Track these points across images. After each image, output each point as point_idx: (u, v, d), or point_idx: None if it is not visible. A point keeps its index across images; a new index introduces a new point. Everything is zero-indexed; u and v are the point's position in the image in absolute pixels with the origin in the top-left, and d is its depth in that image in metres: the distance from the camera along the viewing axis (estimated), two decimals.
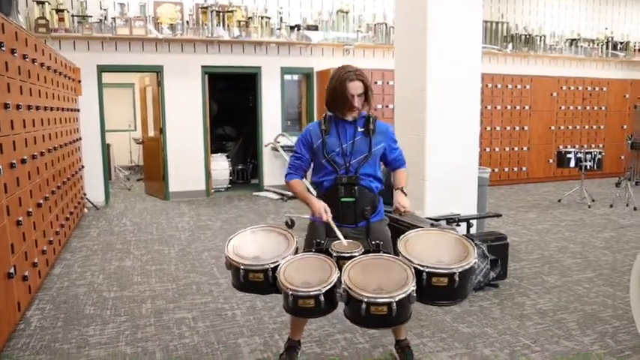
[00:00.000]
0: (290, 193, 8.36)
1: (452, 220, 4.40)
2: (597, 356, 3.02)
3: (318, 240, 2.62)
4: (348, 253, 2.45)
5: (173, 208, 7.65)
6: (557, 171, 9.51)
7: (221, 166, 8.97)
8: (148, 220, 6.87)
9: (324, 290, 2.23)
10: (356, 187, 2.68)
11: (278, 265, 2.40)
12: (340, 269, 2.33)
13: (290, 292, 2.24)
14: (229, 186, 9.13)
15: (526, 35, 10.17)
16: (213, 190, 8.71)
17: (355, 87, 2.62)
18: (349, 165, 2.69)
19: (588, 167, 7.68)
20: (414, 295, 2.22)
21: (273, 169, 8.89)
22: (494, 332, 3.37)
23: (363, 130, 2.72)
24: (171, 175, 8.26)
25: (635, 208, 7.28)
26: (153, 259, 5.04)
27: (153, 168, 8.71)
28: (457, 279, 2.27)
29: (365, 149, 2.70)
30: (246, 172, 10.12)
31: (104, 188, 7.95)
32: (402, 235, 2.54)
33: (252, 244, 2.59)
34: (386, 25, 8.98)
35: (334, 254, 2.46)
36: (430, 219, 4.26)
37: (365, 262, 2.39)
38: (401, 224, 3.79)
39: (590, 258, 5.00)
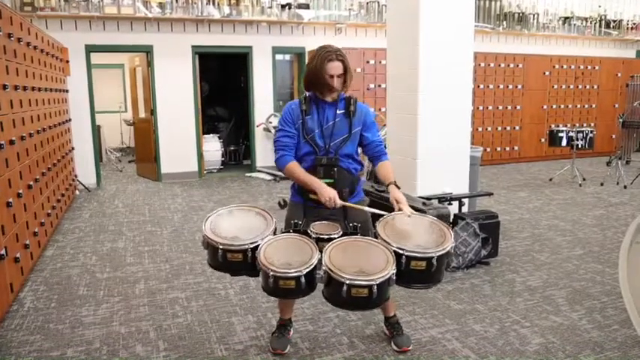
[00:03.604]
0: (282, 174, 8.34)
1: (444, 199, 4.42)
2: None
3: (296, 221, 2.59)
4: (326, 234, 2.46)
5: (165, 189, 7.63)
6: (549, 150, 9.55)
7: (213, 147, 8.93)
8: (140, 201, 6.85)
9: (304, 272, 2.24)
10: (335, 169, 2.66)
11: (257, 246, 2.38)
12: (320, 251, 2.33)
13: (270, 273, 2.24)
14: (222, 167, 9.11)
15: (519, 13, 10.11)
16: (205, 172, 8.68)
17: (335, 67, 2.60)
18: (329, 146, 2.67)
19: (580, 146, 7.71)
20: (394, 278, 2.25)
21: (265, 150, 8.87)
22: (484, 309, 3.41)
23: (343, 111, 2.71)
24: (163, 156, 8.22)
25: (625, 187, 7.34)
26: (145, 240, 5.04)
27: (144, 149, 8.65)
28: (435, 263, 2.30)
29: (345, 131, 2.69)
30: (239, 153, 10.09)
31: (95, 170, 7.90)
32: (381, 218, 2.56)
33: (231, 224, 2.57)
34: (378, 3, 8.89)
35: (313, 235, 2.46)
36: (422, 198, 4.28)
37: (345, 244, 2.40)
38: (384, 201, 3.80)
39: (580, 236, 5.05)
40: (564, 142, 7.80)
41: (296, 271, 2.23)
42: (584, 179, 7.82)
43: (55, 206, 5.28)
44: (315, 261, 2.28)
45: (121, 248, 4.81)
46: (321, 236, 2.45)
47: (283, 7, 8.44)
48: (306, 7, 8.54)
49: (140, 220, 5.82)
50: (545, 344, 2.93)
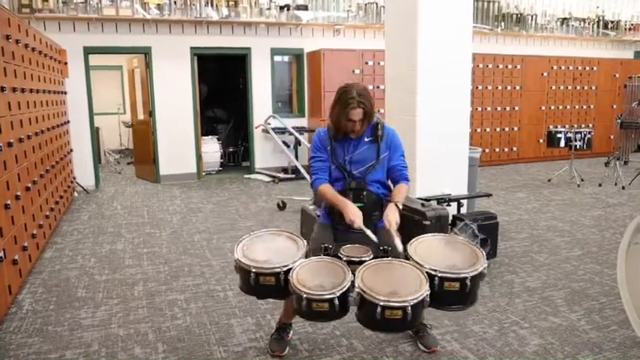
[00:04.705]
0: (281, 175, 8.36)
1: (442, 200, 4.42)
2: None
3: (326, 245, 2.60)
4: (357, 257, 2.46)
5: (164, 191, 7.62)
6: (548, 151, 9.56)
7: (212, 148, 8.92)
8: (138, 203, 6.84)
9: (338, 294, 2.22)
10: (364, 193, 2.73)
11: (290, 269, 2.38)
12: (353, 273, 2.33)
13: (304, 296, 2.22)
14: (220, 169, 9.10)
15: (517, 14, 10.12)
16: (204, 173, 8.68)
17: (355, 114, 2.66)
18: (357, 172, 2.75)
19: (578, 147, 7.72)
20: (428, 299, 2.24)
21: (264, 152, 8.87)
22: (483, 310, 3.41)
23: (371, 138, 2.77)
24: (162, 158, 8.21)
25: (623, 187, 7.35)
26: (144, 242, 5.03)
27: (143, 151, 8.65)
28: (469, 283, 2.30)
29: (373, 157, 2.76)
30: (238, 155, 10.08)
31: (94, 172, 7.90)
32: (412, 240, 2.56)
33: (261, 248, 2.58)
34: (377, 4, 8.89)
35: (344, 259, 2.46)
36: (421, 199, 4.28)
37: (377, 266, 2.40)
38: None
39: (579, 236, 5.06)
40: (562, 143, 7.81)
41: (329, 294, 2.22)
42: (582, 180, 7.83)
43: (53, 208, 5.27)
44: (348, 283, 2.26)
45: (120, 250, 4.80)
46: (353, 259, 2.45)
47: (282, 8, 8.44)
48: (305, 8, 8.54)
49: (139, 222, 5.81)
50: (544, 345, 2.93)
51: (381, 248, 2.55)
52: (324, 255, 2.53)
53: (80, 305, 3.55)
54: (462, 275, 2.31)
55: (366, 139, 2.78)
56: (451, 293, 2.33)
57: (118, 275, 4.14)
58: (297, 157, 8.30)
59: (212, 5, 7.98)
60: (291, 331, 3.02)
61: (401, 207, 2.68)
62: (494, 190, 7.21)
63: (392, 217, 2.60)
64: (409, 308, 2.15)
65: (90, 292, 3.80)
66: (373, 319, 2.18)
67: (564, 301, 3.53)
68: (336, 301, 2.23)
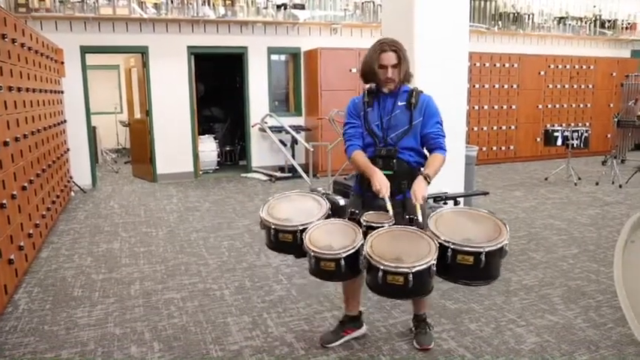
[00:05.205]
0: (278, 174, 8.35)
1: (439, 198, 4.41)
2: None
3: (353, 209, 2.66)
4: (377, 223, 2.50)
5: (161, 190, 7.61)
6: (545, 149, 9.58)
7: (209, 147, 8.91)
8: (135, 202, 6.83)
9: (344, 255, 2.31)
10: (394, 160, 2.68)
11: (306, 228, 2.49)
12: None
13: (312, 254, 2.35)
14: (217, 167, 9.08)
15: (514, 13, 10.13)
16: (201, 172, 8.67)
17: (387, 57, 2.62)
18: (388, 138, 2.69)
19: (575, 145, 7.73)
20: (434, 269, 2.23)
21: (261, 150, 8.86)
22: (480, 308, 3.41)
23: (404, 103, 2.70)
24: (159, 157, 8.19)
25: (620, 186, 7.36)
26: (141, 241, 5.03)
27: (140, 150, 8.63)
28: (483, 258, 2.25)
29: (405, 122, 2.68)
30: (234, 154, 10.08)
31: (91, 171, 7.88)
32: (436, 211, 2.57)
33: (286, 208, 2.70)
34: (373, 3, 8.90)
35: (364, 224, 2.52)
36: None
37: (392, 234, 2.43)
38: None
39: (576, 235, 5.07)
40: (559, 142, 7.83)
41: (335, 254, 2.33)
42: (579, 178, 7.84)
43: (49, 207, 5.26)
44: (357, 245, 2.35)
45: (117, 249, 4.79)
46: (372, 224, 2.50)
47: (278, 7, 8.43)
48: (302, 7, 8.53)
49: (136, 221, 5.80)
50: (540, 343, 2.94)
51: (407, 217, 2.56)
52: (348, 219, 2.60)
53: (76, 304, 3.54)
54: (477, 249, 2.25)
55: (399, 103, 2.69)
56: (465, 267, 2.29)
57: (114, 274, 4.13)
58: (293, 155, 8.30)
59: (209, 4, 7.97)
60: (355, 329, 2.98)
61: (432, 179, 2.61)
62: (491, 188, 7.21)
63: (418, 190, 2.53)
64: (410, 275, 2.17)
65: (86, 291, 3.79)
66: (376, 283, 2.24)
67: (561, 299, 3.54)
68: (342, 262, 2.32)
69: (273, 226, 2.55)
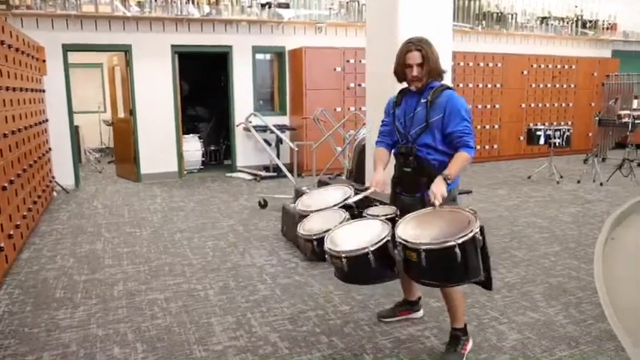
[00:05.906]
0: (263, 173, 8.34)
1: None
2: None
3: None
4: (382, 215, 2.60)
5: (145, 190, 7.55)
6: (528, 148, 9.68)
7: (193, 147, 8.86)
8: (119, 202, 6.77)
9: (316, 238, 2.53)
10: (411, 158, 2.72)
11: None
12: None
13: (301, 232, 2.66)
14: (202, 167, 9.04)
15: (498, 13, 10.23)
16: (185, 172, 8.62)
17: (412, 57, 2.67)
18: (408, 135, 2.74)
19: (557, 144, 7.83)
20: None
21: (245, 150, 8.84)
22: None
23: (426, 100, 2.71)
24: (143, 156, 8.12)
25: (601, 184, 7.47)
26: (124, 242, 4.98)
27: (124, 150, 8.55)
28: (423, 256, 2.17)
29: (422, 120, 2.70)
30: (219, 153, 10.03)
31: (74, 171, 7.79)
32: (400, 221, 2.46)
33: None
34: (358, 2, 8.91)
35: (368, 218, 2.62)
36: None
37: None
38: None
39: (557, 232, 5.13)
40: (542, 141, 7.92)
41: (313, 234, 2.55)
42: (561, 177, 7.94)
43: (31, 208, 5.18)
44: (330, 226, 2.54)
45: (100, 250, 4.74)
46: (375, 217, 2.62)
47: (263, 6, 8.41)
48: (286, 6, 8.52)
49: (119, 222, 5.75)
50: (521, 340, 2.97)
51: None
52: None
53: (58, 306, 3.50)
54: (416, 246, 2.20)
55: (422, 101, 2.71)
56: (414, 264, 2.25)
57: (97, 275, 4.09)
58: (278, 155, 8.29)
59: (193, 3, 7.92)
60: (412, 312, 3.23)
61: (452, 179, 2.58)
62: (474, 187, 7.27)
63: (437, 190, 2.50)
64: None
65: (68, 292, 3.75)
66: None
67: (542, 296, 3.58)
68: (315, 243, 2.54)
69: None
